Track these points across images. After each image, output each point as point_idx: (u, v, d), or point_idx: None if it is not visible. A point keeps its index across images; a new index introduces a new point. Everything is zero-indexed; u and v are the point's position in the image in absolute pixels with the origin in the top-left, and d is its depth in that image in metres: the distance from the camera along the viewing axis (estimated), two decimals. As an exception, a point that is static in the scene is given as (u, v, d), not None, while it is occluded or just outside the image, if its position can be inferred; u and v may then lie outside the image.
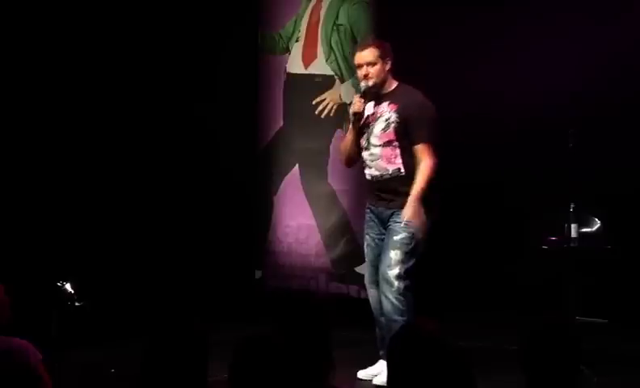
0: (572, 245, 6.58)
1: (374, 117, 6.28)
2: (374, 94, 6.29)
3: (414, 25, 8.25)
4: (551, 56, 7.94)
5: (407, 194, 6.14)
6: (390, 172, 6.24)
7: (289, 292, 8.05)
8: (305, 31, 8.88)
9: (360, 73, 6.29)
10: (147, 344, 3.28)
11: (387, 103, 6.25)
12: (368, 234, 6.41)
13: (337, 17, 8.73)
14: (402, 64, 8.23)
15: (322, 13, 8.80)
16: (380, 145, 6.24)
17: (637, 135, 7.75)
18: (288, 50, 8.96)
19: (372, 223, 6.37)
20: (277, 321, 3.64)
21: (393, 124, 6.20)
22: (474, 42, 8.11)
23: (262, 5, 9.12)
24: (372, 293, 6.44)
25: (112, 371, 5.76)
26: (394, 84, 6.30)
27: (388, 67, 6.27)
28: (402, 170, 6.21)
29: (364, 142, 6.32)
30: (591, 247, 6.68)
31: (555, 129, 7.02)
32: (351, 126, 6.37)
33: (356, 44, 6.46)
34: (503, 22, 8.03)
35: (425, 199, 6.16)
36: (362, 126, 6.31)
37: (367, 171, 6.35)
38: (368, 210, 6.41)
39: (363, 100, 6.29)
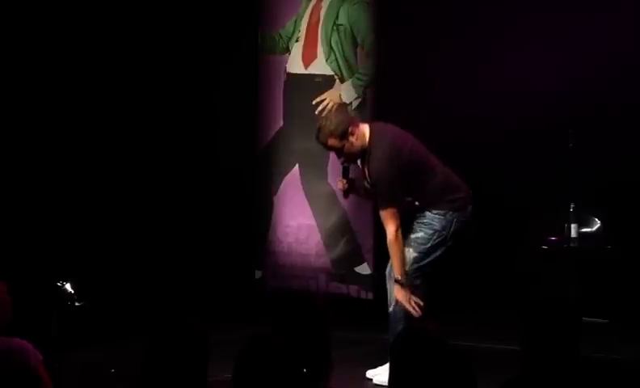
0: (572, 245, 6.58)
1: (365, 174, 6.25)
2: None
3: (413, 25, 8.25)
4: (551, 55, 7.94)
5: (434, 200, 6.17)
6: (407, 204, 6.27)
7: (288, 293, 8.05)
8: (305, 31, 8.88)
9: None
10: (147, 344, 3.27)
11: (366, 167, 6.19)
12: None
13: (337, 17, 8.72)
14: (402, 64, 8.26)
15: (322, 13, 8.79)
16: None
17: (637, 135, 7.74)
18: (288, 50, 8.95)
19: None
20: (276, 322, 3.64)
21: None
22: (474, 42, 8.11)
23: (262, 5, 9.11)
24: (389, 286, 6.39)
25: (112, 371, 5.75)
26: (367, 134, 6.17)
27: (354, 137, 6.11)
28: (417, 203, 6.25)
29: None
30: (591, 247, 6.68)
31: (555, 129, 7.03)
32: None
33: (317, 138, 6.20)
34: (503, 22, 8.02)
35: (444, 201, 6.18)
36: (361, 183, 6.31)
37: None
38: None
39: (344, 181, 6.29)
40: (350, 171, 6.31)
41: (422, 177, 6.19)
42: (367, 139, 6.14)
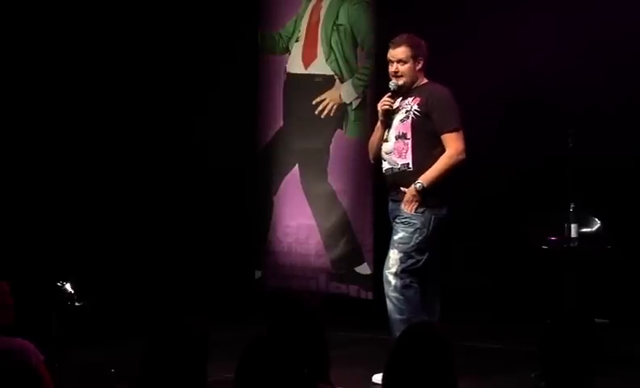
0: (572, 245, 6.57)
1: (397, 110, 6.30)
2: (404, 93, 6.33)
3: (413, 25, 8.25)
4: (552, 54, 7.93)
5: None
6: (399, 166, 6.24)
7: (282, 293, 8.05)
8: (305, 31, 8.88)
9: (391, 69, 6.33)
10: (147, 344, 3.27)
11: (412, 97, 6.28)
12: (393, 235, 6.39)
13: (337, 17, 8.72)
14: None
15: (322, 13, 8.79)
16: (394, 138, 6.26)
17: (637, 134, 7.74)
18: (288, 50, 8.96)
19: (393, 223, 6.37)
20: (272, 322, 3.64)
21: (411, 115, 6.21)
22: (475, 42, 8.10)
23: (262, 5, 9.12)
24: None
25: (112, 371, 5.75)
26: (424, 80, 6.33)
27: (419, 67, 6.30)
28: (411, 166, 6.21)
29: (385, 134, 6.35)
30: (591, 247, 6.67)
31: (555, 129, 7.03)
32: (379, 123, 6.39)
33: (390, 40, 6.37)
34: (504, 22, 8.02)
35: (436, 191, 6.18)
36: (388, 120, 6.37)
37: (382, 164, 6.39)
38: (390, 212, 6.41)
39: (392, 100, 6.31)
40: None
41: (435, 148, 6.22)
42: (421, 83, 6.30)
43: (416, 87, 6.31)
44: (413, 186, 6.15)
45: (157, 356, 3.24)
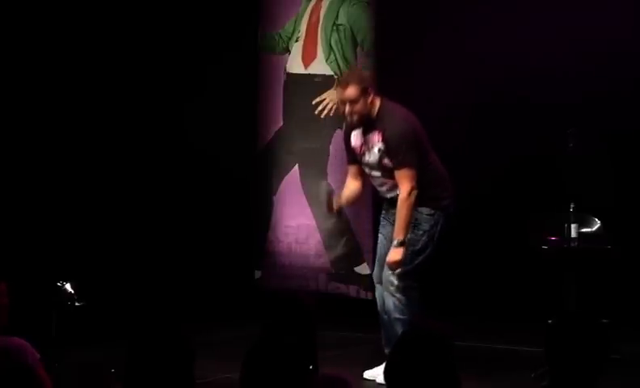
0: (572, 245, 6.57)
1: (367, 147, 6.28)
2: (364, 126, 6.29)
3: (413, 25, 8.25)
4: (554, 54, 7.93)
5: (425, 193, 6.18)
6: (397, 193, 6.25)
7: (277, 293, 8.05)
8: (304, 31, 8.88)
9: (344, 109, 6.28)
10: (129, 348, 3.22)
11: (375, 131, 6.23)
12: (381, 232, 6.45)
13: (337, 17, 8.72)
14: (401, 64, 8.26)
15: (322, 13, 8.80)
16: (382, 175, 6.27)
17: (637, 134, 7.74)
18: (288, 50, 8.96)
19: (384, 222, 6.42)
20: (268, 321, 3.64)
21: (385, 154, 6.20)
22: (476, 42, 8.10)
23: (262, 5, 9.12)
24: (378, 288, 6.43)
25: (112, 371, 5.75)
26: (377, 105, 6.23)
27: (370, 98, 6.20)
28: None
29: (366, 170, 6.35)
30: (591, 247, 6.67)
31: (555, 128, 7.03)
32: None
33: (338, 82, 6.30)
34: (505, 21, 8.02)
35: (433, 197, 6.23)
36: (357, 156, 6.35)
37: (379, 192, 6.42)
38: (383, 211, 6.44)
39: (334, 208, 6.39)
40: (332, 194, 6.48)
41: (421, 161, 6.22)
42: (376, 109, 6.21)
43: (374, 117, 6.23)
44: (393, 248, 6.15)
45: (141, 360, 3.20)
